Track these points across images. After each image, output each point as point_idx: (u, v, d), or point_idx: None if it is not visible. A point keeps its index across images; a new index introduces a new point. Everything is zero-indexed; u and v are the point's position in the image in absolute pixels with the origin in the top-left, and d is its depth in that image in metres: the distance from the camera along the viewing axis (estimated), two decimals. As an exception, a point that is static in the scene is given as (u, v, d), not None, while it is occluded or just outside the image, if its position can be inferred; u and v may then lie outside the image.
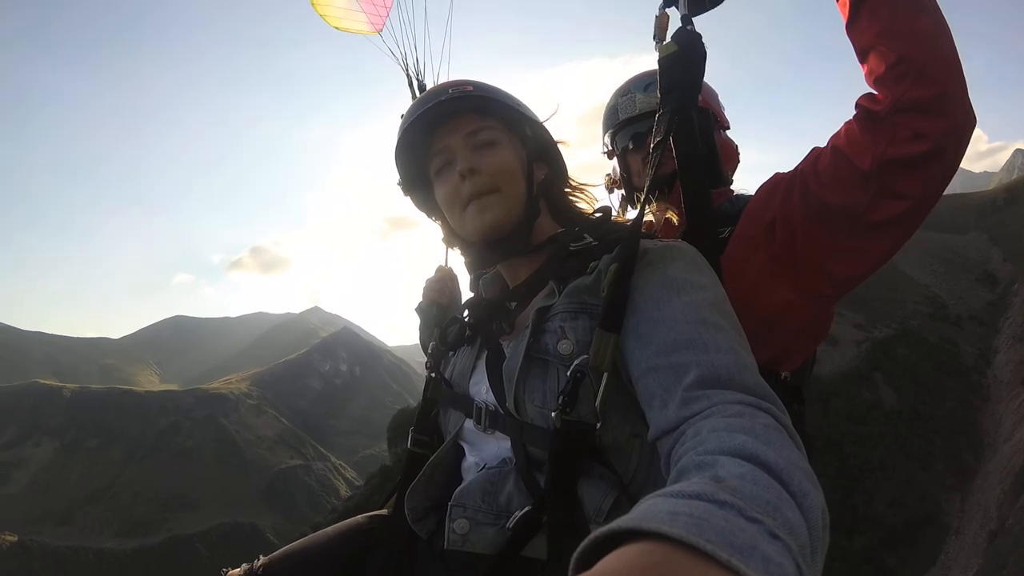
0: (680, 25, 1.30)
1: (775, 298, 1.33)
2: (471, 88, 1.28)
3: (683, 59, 1.28)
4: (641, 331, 1.02)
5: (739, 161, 1.85)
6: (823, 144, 1.35)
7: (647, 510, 0.52)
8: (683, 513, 0.50)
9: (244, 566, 1.32)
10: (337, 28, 2.32)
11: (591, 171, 1.55)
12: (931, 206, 1.24)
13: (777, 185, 1.37)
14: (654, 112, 1.62)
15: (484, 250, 1.35)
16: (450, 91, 1.27)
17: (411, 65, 2.04)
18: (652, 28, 1.33)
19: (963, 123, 1.19)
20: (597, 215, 1.38)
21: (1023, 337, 46.46)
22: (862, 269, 1.31)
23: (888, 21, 1.20)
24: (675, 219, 1.50)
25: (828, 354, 45.04)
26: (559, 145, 1.39)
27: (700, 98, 1.39)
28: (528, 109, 1.34)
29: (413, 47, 2.03)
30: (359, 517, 1.45)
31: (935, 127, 1.17)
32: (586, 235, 1.26)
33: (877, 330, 49.22)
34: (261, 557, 1.33)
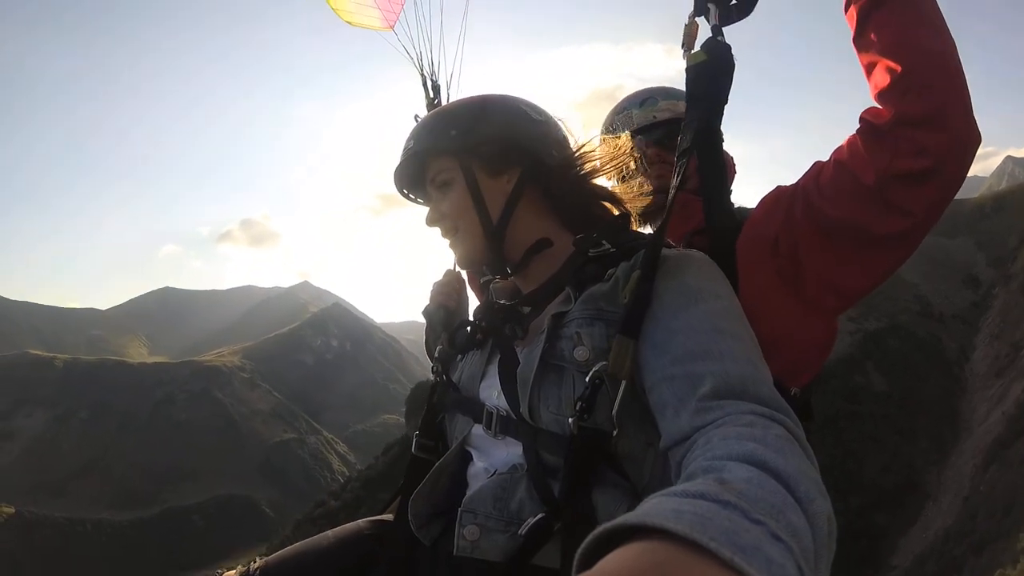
0: (710, 35, 1.30)
1: (780, 312, 1.32)
2: (412, 144, 1.32)
3: (712, 69, 1.27)
4: (658, 339, 1.02)
5: (735, 172, 1.84)
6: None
7: (652, 507, 0.52)
8: (687, 511, 0.50)
9: (239, 568, 1.32)
10: (350, 23, 2.30)
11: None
12: (934, 221, 1.24)
13: (779, 199, 1.38)
14: (652, 125, 1.83)
15: (477, 272, 1.45)
16: (403, 152, 1.34)
17: (425, 65, 2.05)
18: (666, 33, 1.63)
19: (966, 138, 1.18)
20: (618, 220, 1.36)
21: (999, 335, 51.48)
22: (867, 283, 1.32)
23: (895, 35, 1.21)
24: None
25: (825, 343, 50.00)
26: (556, 129, 1.36)
27: None
28: (474, 123, 1.30)
29: (428, 45, 2.02)
30: (361, 521, 1.45)
31: (938, 142, 1.16)
32: (604, 241, 1.23)
33: (869, 323, 54.19)
34: (258, 559, 1.33)
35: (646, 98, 1.89)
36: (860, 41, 1.28)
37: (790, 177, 1.42)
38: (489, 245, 1.32)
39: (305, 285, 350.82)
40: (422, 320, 1.63)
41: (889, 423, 46.40)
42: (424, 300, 1.67)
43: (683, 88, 1.34)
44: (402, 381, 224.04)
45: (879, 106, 1.24)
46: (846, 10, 1.31)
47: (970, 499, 37.49)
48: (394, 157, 1.40)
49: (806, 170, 1.38)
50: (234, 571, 1.32)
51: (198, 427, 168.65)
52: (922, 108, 1.17)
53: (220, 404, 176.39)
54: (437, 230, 1.40)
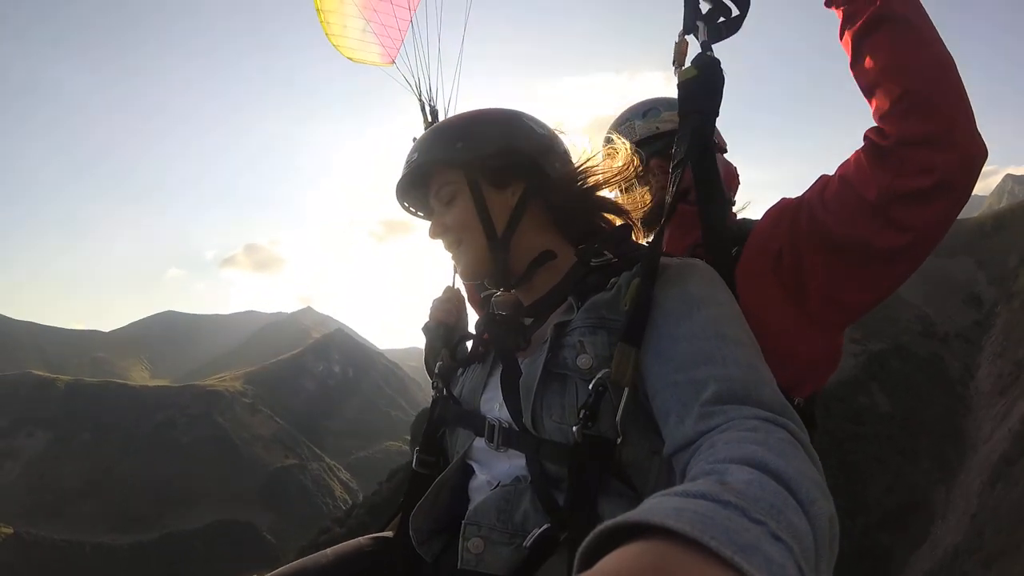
0: (699, 51, 1.32)
1: (783, 325, 1.32)
2: (416, 156, 1.32)
3: (703, 83, 1.29)
4: (661, 347, 1.02)
5: (739, 183, 1.87)
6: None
7: (653, 506, 0.52)
8: (688, 510, 0.50)
9: None
10: (351, 59, 2.35)
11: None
12: (939, 238, 1.24)
13: (783, 212, 1.38)
14: (653, 136, 1.82)
15: (477, 285, 1.49)
16: (406, 164, 1.34)
17: (424, 91, 2.11)
18: (672, 54, 1.35)
19: (972, 155, 1.18)
20: (620, 231, 1.37)
21: (1002, 354, 51.91)
22: (870, 297, 1.32)
23: (890, 57, 1.21)
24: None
25: (830, 364, 50.38)
26: (559, 142, 1.37)
27: None
28: (480, 136, 1.30)
29: (426, 74, 2.08)
30: (361, 539, 1.44)
31: (943, 160, 1.16)
32: (606, 251, 1.26)
33: (872, 344, 54.61)
34: None
35: (648, 109, 1.88)
36: (857, 67, 1.29)
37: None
38: (493, 258, 1.32)
39: (308, 311, 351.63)
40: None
41: (893, 444, 46.63)
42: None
43: None
44: (404, 408, 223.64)
45: (881, 127, 1.24)
46: (841, 37, 1.32)
47: (977, 516, 37.63)
48: (398, 173, 1.39)
49: (812, 183, 1.38)
50: None
51: (199, 451, 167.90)
52: (925, 128, 1.17)
53: (221, 429, 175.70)
54: (439, 243, 1.40)
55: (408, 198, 1.45)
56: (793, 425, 0.84)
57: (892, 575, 38.74)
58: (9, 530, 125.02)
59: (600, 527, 0.50)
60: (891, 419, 48.63)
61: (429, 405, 1.45)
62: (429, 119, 2.14)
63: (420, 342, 1.66)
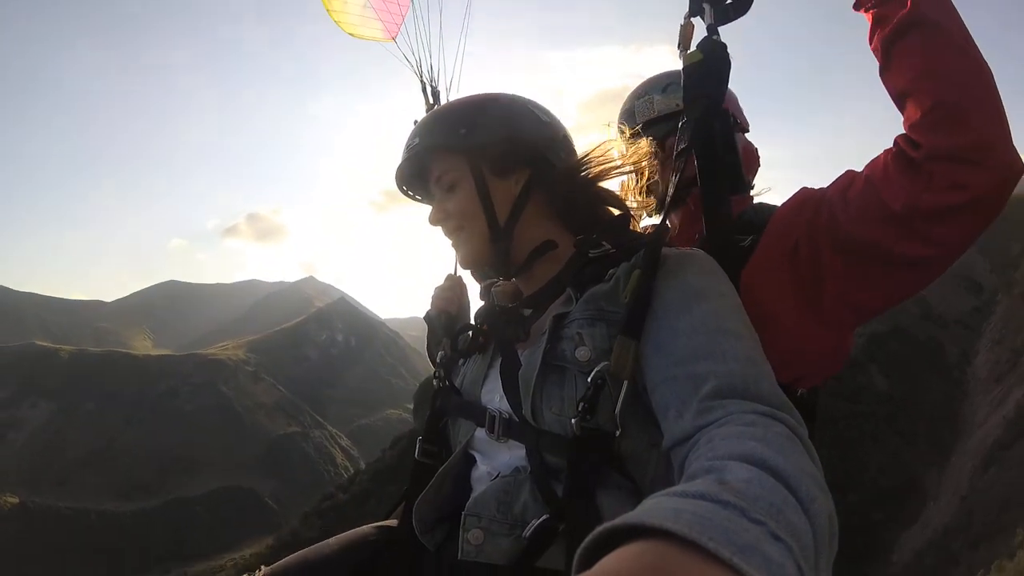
0: (705, 35, 1.30)
1: (794, 320, 1.29)
2: (418, 140, 1.29)
3: (708, 68, 1.27)
4: (660, 340, 1.02)
5: (759, 165, 1.78)
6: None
7: (651, 507, 0.52)
8: (687, 511, 0.50)
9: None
10: (352, 35, 2.34)
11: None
12: (962, 251, 1.19)
13: (803, 204, 1.32)
14: (674, 113, 1.70)
15: (479, 273, 1.50)
16: (406, 148, 1.32)
17: (425, 71, 2.09)
18: (676, 35, 1.33)
19: (1007, 172, 1.10)
20: (618, 221, 1.35)
21: (1001, 341, 52.07)
22: (886, 302, 1.28)
23: (922, 64, 1.15)
24: (677, 226, 1.65)
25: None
26: (563, 131, 1.36)
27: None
28: (484, 123, 1.28)
29: (428, 52, 2.06)
30: (365, 527, 1.44)
31: (975, 177, 1.09)
32: (604, 242, 1.24)
33: (872, 325, 55.17)
34: (263, 568, 1.32)
35: (669, 83, 1.78)
36: (887, 73, 1.24)
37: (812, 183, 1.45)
38: (494, 247, 1.31)
39: (310, 280, 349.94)
40: None
41: (890, 424, 47.29)
42: (428, 296, 1.68)
43: None
44: (405, 376, 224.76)
45: (912, 137, 1.17)
46: (871, 42, 1.26)
47: (968, 498, 38.38)
48: (399, 156, 1.37)
49: (837, 177, 1.33)
50: None
51: (202, 419, 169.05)
52: (956, 140, 1.11)
53: (224, 397, 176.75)
54: (439, 228, 1.38)
55: (408, 183, 1.43)
56: (791, 419, 0.84)
57: (883, 553, 39.72)
58: (15, 499, 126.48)
59: (599, 528, 0.50)
60: (888, 399, 49.25)
61: (430, 375, 1.45)
62: (431, 100, 2.13)
63: (421, 311, 1.65)
